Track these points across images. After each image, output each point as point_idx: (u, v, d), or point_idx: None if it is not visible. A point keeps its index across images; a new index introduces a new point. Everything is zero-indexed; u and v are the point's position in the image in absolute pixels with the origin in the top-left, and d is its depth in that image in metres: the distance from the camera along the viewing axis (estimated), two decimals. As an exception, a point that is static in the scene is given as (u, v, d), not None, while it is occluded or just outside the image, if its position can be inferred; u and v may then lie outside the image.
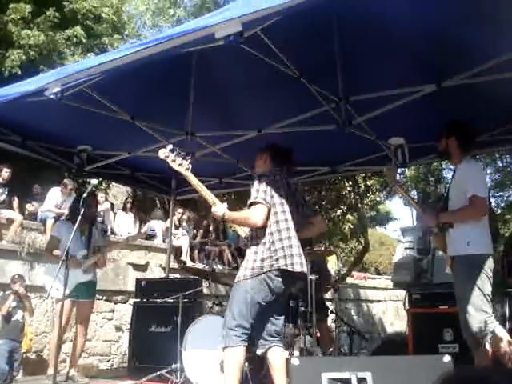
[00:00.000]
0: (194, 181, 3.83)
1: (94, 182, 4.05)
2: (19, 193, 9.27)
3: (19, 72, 9.83)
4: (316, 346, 5.11)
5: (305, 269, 3.84)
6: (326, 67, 4.23)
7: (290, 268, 3.70)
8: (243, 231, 4.32)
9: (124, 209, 11.52)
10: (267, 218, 3.78)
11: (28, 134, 5.85)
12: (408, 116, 5.14)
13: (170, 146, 3.80)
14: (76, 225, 4.36)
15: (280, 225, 3.79)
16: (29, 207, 9.38)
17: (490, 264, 3.76)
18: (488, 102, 4.82)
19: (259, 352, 3.87)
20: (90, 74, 3.94)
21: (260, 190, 3.78)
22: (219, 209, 3.78)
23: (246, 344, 3.67)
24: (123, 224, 11.15)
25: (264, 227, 3.78)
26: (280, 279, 3.71)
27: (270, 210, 3.79)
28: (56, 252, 5.64)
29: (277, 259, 3.69)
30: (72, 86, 4.07)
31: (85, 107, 4.88)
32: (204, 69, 4.53)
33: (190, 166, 3.79)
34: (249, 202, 3.82)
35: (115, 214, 11.59)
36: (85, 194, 4.17)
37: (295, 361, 2.68)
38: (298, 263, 3.75)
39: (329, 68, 4.17)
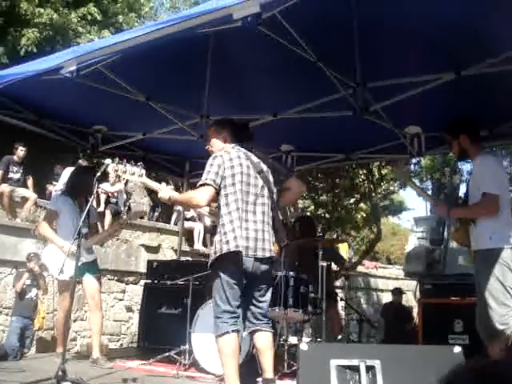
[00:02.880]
0: (151, 183, 3.97)
1: (108, 161, 4.03)
2: (38, 173, 9.35)
3: (35, 50, 9.85)
4: (325, 332, 5.10)
5: (266, 254, 3.68)
6: (344, 52, 4.16)
7: (243, 250, 3.56)
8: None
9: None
10: (214, 199, 3.71)
11: (44, 112, 5.87)
12: (426, 105, 5.08)
13: (117, 159, 3.87)
14: (89, 203, 4.34)
15: (230, 206, 3.65)
16: (49, 187, 9.46)
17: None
18: (508, 91, 4.75)
19: (245, 334, 3.84)
20: (106, 54, 3.94)
21: (211, 172, 3.67)
22: (164, 192, 3.83)
23: (237, 328, 3.59)
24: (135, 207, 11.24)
25: (220, 208, 3.70)
26: (251, 260, 3.60)
27: (219, 193, 3.68)
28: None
29: (227, 242, 3.57)
30: (88, 64, 4.07)
31: (100, 87, 4.88)
32: (221, 51, 4.48)
33: (144, 171, 3.87)
34: (198, 183, 3.74)
35: (129, 195, 11.65)
36: (98, 174, 4.16)
37: (304, 346, 2.67)
38: (254, 248, 3.61)
39: (347, 53, 4.10)
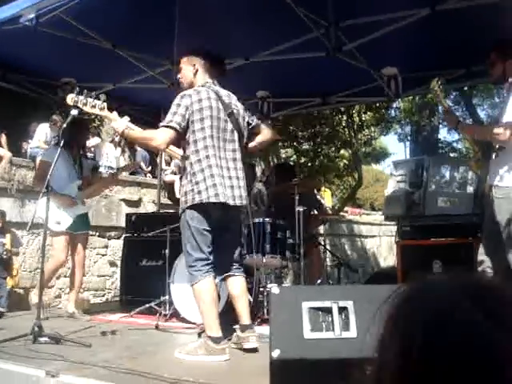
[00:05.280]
0: (110, 115, 3.65)
1: (74, 112, 3.88)
2: (11, 131, 9.13)
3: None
4: (305, 277, 5.10)
5: (237, 202, 3.57)
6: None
7: (214, 200, 3.46)
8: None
9: (112, 141, 11.43)
10: (174, 143, 3.54)
11: (9, 66, 5.69)
12: (401, 43, 4.97)
13: (77, 89, 3.66)
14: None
15: (200, 153, 3.48)
16: (24, 145, 9.26)
17: None
18: (484, 28, 4.62)
19: (217, 280, 3.74)
20: (66, -2, 3.75)
21: (177, 114, 3.45)
22: (119, 123, 3.59)
23: (211, 274, 3.53)
24: (110, 156, 11.09)
25: (188, 154, 3.51)
26: (217, 208, 3.51)
27: (186, 138, 3.49)
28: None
29: (199, 192, 3.45)
30: (47, 11, 3.92)
31: (64, 35, 4.68)
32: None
33: (105, 104, 3.62)
34: (160, 124, 3.51)
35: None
36: (64, 125, 4.03)
37: (275, 290, 2.63)
38: (223, 194, 3.48)
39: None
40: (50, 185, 5.11)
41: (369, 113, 13.23)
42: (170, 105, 3.55)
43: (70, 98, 3.59)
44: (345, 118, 12.98)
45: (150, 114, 7.35)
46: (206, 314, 3.51)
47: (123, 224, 7.16)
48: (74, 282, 5.42)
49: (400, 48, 5.10)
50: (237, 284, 3.71)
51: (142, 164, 11.92)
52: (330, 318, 2.52)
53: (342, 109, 11.79)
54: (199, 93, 3.56)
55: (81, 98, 3.57)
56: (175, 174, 11.07)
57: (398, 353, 0.71)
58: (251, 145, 3.85)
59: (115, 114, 3.58)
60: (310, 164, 13.97)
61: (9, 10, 4.17)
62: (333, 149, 14.22)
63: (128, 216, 6.71)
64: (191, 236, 3.51)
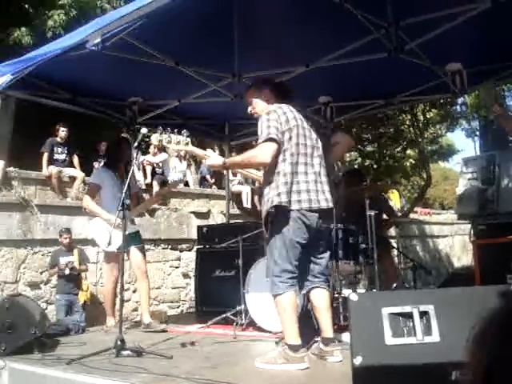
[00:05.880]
0: (198, 151, 3.82)
1: (144, 130, 4.01)
2: (84, 152, 9.50)
3: (62, 32, 9.83)
4: (380, 282, 5.03)
5: (330, 204, 3.61)
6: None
7: (310, 206, 3.48)
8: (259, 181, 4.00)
9: (178, 156, 11.66)
10: (277, 155, 3.50)
11: (78, 90, 5.91)
12: (463, 38, 4.84)
13: (160, 128, 3.71)
14: (129, 173, 4.33)
15: (288, 161, 3.51)
16: (95, 164, 9.60)
17: None
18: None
19: (302, 293, 3.76)
20: (129, 21, 3.87)
21: (271, 127, 3.47)
22: (214, 159, 3.67)
23: (296, 288, 3.54)
24: (177, 170, 11.35)
25: (275, 165, 3.51)
26: (315, 215, 3.52)
27: (280, 148, 3.51)
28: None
29: (299, 201, 3.46)
30: (112, 35, 4.02)
31: (128, 57, 4.83)
32: (246, 5, 4.36)
33: (189, 139, 3.70)
34: (260, 140, 3.51)
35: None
36: (135, 144, 4.16)
37: (353, 296, 2.61)
38: (316, 199, 3.51)
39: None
40: (101, 205, 5.32)
41: (433, 110, 12.96)
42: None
43: (155, 138, 3.67)
44: (409, 117, 12.76)
45: (215, 127, 7.49)
46: (285, 323, 3.51)
47: (194, 236, 7.30)
48: (140, 293, 5.55)
49: (462, 43, 4.98)
50: (322, 296, 3.69)
51: (208, 176, 12.13)
52: (411, 323, 2.48)
53: (406, 108, 11.58)
54: (281, 107, 3.65)
55: (165, 136, 3.65)
56: (242, 184, 11.18)
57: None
58: (334, 155, 3.95)
59: (210, 151, 3.70)
60: (375, 166, 13.79)
61: (75, 37, 4.33)
62: (398, 149, 14.01)
63: (199, 228, 6.83)
64: (283, 245, 3.49)
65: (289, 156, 3.52)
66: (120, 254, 5.14)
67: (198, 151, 3.92)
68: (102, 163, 6.10)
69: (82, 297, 6.58)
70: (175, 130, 3.75)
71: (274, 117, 3.54)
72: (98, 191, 5.48)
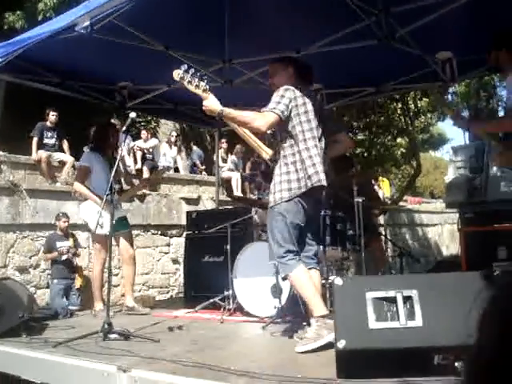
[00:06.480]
0: (215, 102, 3.43)
1: (133, 115, 3.99)
2: (74, 137, 9.43)
3: (53, 15, 9.72)
4: (368, 268, 5.06)
5: (328, 181, 3.68)
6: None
7: (319, 183, 3.56)
8: (266, 153, 3.94)
9: (168, 142, 11.64)
10: (270, 129, 3.56)
11: (67, 74, 5.85)
12: (454, 26, 4.83)
13: (185, 66, 3.46)
14: (117, 159, 4.31)
15: (308, 142, 3.59)
16: (86, 149, 9.54)
17: None
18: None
19: None
20: (118, 4, 3.83)
21: (281, 103, 3.52)
22: (213, 102, 3.41)
23: (301, 263, 3.60)
24: (168, 157, 11.34)
25: (291, 146, 3.60)
26: (312, 198, 3.61)
27: (288, 128, 3.58)
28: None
29: (309, 177, 3.53)
30: (101, 18, 3.97)
31: (118, 40, 4.79)
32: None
33: (208, 86, 3.45)
34: (263, 109, 3.50)
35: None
36: (124, 128, 4.15)
37: (338, 281, 2.63)
38: (323, 179, 3.59)
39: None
40: (90, 188, 5.31)
41: (425, 99, 12.97)
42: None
43: (177, 74, 3.44)
44: (400, 105, 12.77)
45: (206, 113, 7.44)
46: (309, 298, 3.54)
47: (184, 222, 7.30)
48: (126, 277, 5.63)
49: (454, 31, 4.97)
50: (317, 278, 3.76)
51: (198, 162, 12.11)
52: (395, 308, 2.51)
53: (397, 96, 11.59)
54: (299, 88, 3.68)
55: (187, 75, 3.41)
56: (232, 170, 11.19)
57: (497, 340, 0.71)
58: (332, 152, 3.99)
59: (211, 96, 3.50)
60: (366, 154, 13.82)
61: (64, 20, 4.28)
62: (389, 137, 14.02)
63: (188, 214, 6.83)
64: (285, 228, 3.57)
65: (308, 138, 3.60)
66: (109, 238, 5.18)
67: (208, 96, 3.47)
68: (89, 147, 6.08)
69: (78, 281, 6.61)
70: (198, 74, 3.47)
71: (289, 94, 3.58)
72: (88, 174, 5.47)
